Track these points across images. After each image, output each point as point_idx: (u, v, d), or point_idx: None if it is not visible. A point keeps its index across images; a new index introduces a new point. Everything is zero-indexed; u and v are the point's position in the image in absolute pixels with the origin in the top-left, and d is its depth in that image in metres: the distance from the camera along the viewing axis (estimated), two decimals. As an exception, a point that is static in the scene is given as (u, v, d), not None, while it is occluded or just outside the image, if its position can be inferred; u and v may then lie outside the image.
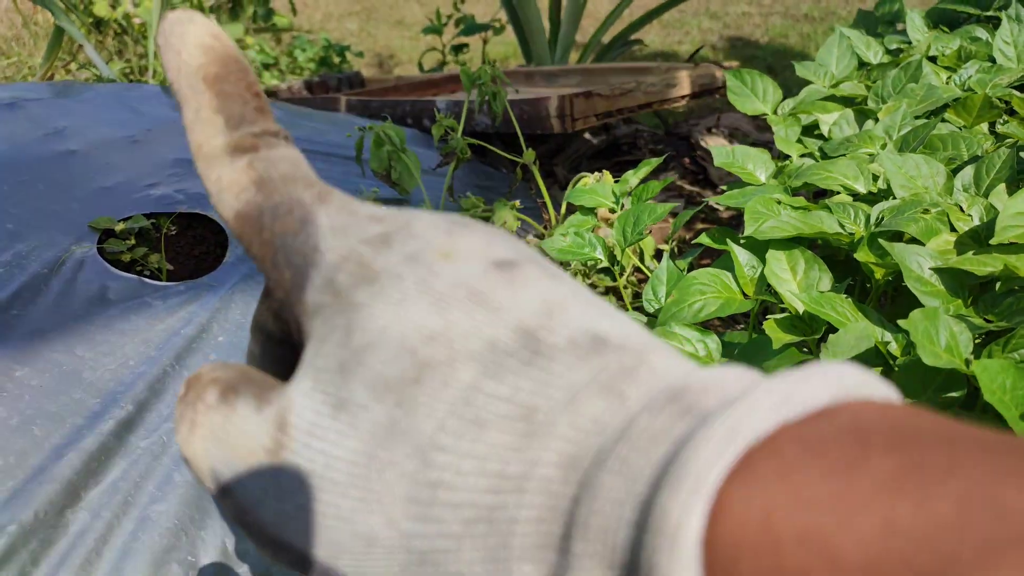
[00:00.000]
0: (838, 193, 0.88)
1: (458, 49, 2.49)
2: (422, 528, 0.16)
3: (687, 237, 1.48)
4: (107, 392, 0.77)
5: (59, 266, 0.86)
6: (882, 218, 0.77)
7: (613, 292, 1.17)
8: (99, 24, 2.53)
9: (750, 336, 0.77)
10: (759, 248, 0.78)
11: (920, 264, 0.69)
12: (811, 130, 1.12)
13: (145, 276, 0.91)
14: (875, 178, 0.88)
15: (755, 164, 0.98)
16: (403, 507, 0.16)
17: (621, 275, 1.13)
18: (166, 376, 0.79)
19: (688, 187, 1.71)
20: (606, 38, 2.27)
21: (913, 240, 0.74)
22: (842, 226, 0.77)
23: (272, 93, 2.10)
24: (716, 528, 0.14)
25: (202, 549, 0.70)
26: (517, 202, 1.22)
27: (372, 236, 0.19)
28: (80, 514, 0.69)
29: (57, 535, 0.67)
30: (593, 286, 1.21)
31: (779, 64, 2.82)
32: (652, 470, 0.14)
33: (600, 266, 1.13)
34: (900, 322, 0.62)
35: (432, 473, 0.16)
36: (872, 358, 0.66)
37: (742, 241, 0.82)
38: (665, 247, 1.18)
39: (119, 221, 0.95)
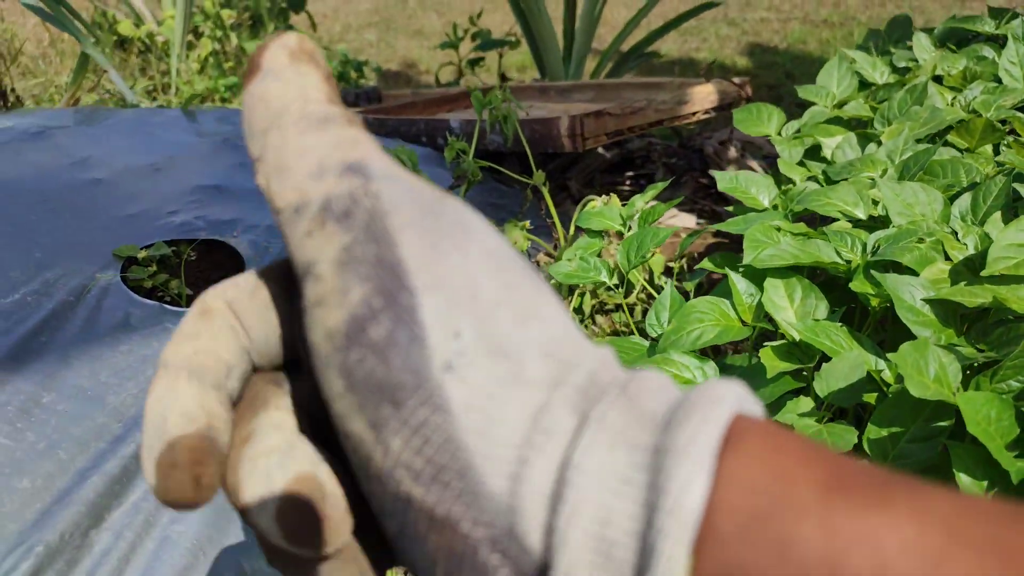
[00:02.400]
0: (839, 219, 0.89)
1: (475, 63, 2.52)
2: None
3: (697, 253, 1.50)
4: (129, 416, 0.80)
5: (85, 294, 0.90)
6: (878, 247, 0.78)
7: (622, 310, 1.19)
8: (123, 42, 2.59)
9: (748, 362, 0.79)
10: (758, 275, 0.80)
11: (912, 294, 0.71)
12: (817, 150, 1.14)
13: (166, 302, 0.95)
14: (875, 203, 0.90)
15: (758, 189, 0.99)
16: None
17: (629, 294, 1.15)
18: (185, 400, 0.83)
19: (700, 200, 1.72)
20: (624, 46, 2.28)
21: (908, 269, 0.76)
22: (839, 254, 0.79)
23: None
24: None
25: (220, 568, 0.73)
26: (527, 222, 1.24)
27: None
28: (103, 535, 0.72)
29: (82, 555, 0.70)
30: (602, 304, 1.23)
31: (798, 70, 2.81)
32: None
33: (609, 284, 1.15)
34: (890, 355, 0.64)
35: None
36: (865, 385, 0.67)
37: (741, 269, 0.83)
38: (674, 264, 1.20)
39: (141, 248, 0.99)
